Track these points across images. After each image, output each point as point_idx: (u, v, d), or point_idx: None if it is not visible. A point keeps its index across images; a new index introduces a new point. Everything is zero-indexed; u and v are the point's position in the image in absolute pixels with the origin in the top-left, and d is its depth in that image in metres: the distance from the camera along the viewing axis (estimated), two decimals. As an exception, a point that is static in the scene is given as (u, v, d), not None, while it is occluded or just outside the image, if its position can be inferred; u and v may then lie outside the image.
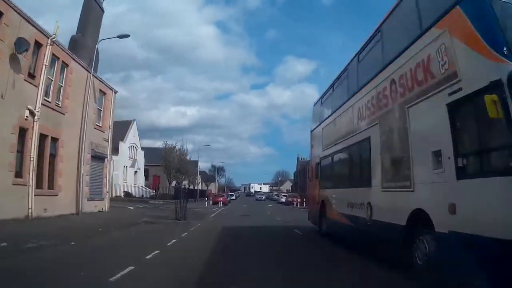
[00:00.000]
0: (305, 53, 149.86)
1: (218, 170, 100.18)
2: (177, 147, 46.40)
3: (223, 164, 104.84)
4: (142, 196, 45.07)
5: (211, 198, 47.77)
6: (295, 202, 45.00)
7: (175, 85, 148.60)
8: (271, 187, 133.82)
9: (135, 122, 50.81)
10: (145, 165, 53.43)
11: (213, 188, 79.43)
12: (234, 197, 62.76)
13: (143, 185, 51.86)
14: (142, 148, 53.22)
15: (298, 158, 78.40)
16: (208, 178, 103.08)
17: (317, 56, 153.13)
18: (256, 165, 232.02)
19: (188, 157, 48.50)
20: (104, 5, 20.69)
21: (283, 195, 59.73)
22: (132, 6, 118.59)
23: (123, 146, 44.61)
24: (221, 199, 47.12)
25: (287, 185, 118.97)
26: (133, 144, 49.23)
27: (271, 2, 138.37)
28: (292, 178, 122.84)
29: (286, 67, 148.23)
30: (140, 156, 51.66)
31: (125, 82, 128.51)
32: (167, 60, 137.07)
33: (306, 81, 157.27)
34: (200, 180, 67.84)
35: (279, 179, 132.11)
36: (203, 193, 57.17)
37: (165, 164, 45.83)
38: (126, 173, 45.96)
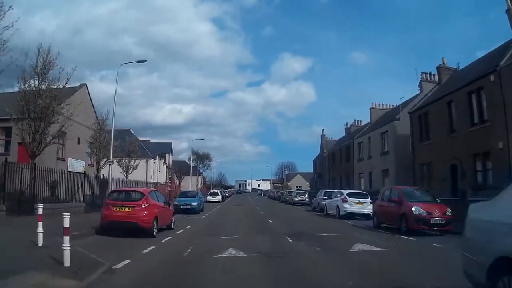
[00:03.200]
0: (300, 50, 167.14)
1: (201, 159, 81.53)
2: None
3: (208, 153, 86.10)
4: None
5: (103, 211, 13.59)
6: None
7: (171, 82, 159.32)
8: (275, 184, 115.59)
9: None
10: None
11: (188, 182, 60.42)
12: (219, 197, 44.07)
13: None
14: None
15: (323, 137, 59.89)
16: (187, 170, 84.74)
17: (312, 53, 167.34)
18: (251, 163, 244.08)
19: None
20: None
21: (300, 195, 41.27)
22: (128, 2, 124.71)
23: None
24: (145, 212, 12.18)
25: (298, 181, 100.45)
26: None
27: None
28: (303, 172, 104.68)
29: (282, 64, 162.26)
30: None
31: (121, 78, 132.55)
32: (163, 57, 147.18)
33: (301, 78, 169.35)
34: (163, 171, 49.51)
35: (286, 172, 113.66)
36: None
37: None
38: None
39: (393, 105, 42.59)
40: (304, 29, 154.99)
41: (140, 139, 50.14)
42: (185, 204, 22.48)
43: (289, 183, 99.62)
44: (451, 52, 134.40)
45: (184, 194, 26.19)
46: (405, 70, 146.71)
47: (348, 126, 53.39)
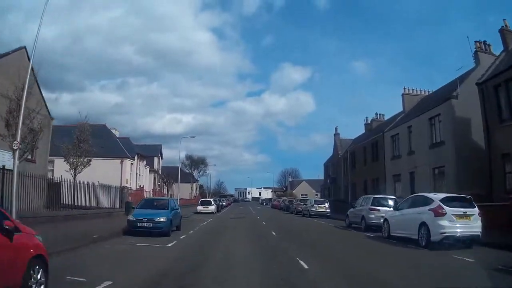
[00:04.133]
0: (300, 59, 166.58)
1: (196, 164, 72.49)
2: None
3: (204, 157, 77.12)
4: None
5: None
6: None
7: (170, 91, 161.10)
8: (277, 192, 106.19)
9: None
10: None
11: (182, 190, 51.16)
12: (212, 208, 34.90)
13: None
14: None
15: (336, 136, 50.80)
16: (181, 175, 75.72)
17: (311, 63, 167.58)
18: (250, 172, 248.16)
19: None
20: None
21: (319, 205, 32.14)
22: (129, 10, 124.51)
23: None
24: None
25: (304, 189, 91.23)
26: None
27: (267, 8, 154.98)
28: (308, 179, 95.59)
29: (282, 74, 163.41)
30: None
31: (121, 88, 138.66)
32: (163, 66, 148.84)
33: (301, 88, 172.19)
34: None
35: (290, 179, 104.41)
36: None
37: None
38: None
39: (427, 91, 34.27)
40: (303, 38, 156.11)
41: (119, 136, 41.44)
42: (145, 219, 13.51)
43: (293, 191, 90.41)
44: (451, 57, 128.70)
45: (148, 203, 16.18)
46: (404, 78, 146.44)
47: (368, 121, 44.68)
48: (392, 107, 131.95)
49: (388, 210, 16.50)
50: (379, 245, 12.97)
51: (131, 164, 36.66)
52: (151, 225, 13.45)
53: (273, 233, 16.69)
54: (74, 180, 20.86)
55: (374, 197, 19.01)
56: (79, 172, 21.26)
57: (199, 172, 77.26)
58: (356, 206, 20.25)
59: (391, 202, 17.77)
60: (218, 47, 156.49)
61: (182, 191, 77.51)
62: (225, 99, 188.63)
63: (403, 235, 13.00)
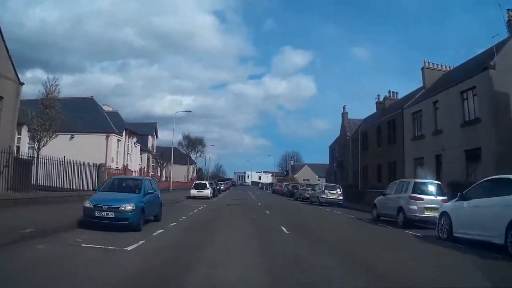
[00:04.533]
0: (301, 43, 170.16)
1: (193, 145, 68.75)
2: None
3: (201, 137, 73.32)
4: None
5: None
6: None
7: (171, 73, 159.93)
8: (278, 176, 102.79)
9: None
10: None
11: (177, 172, 47.49)
12: (207, 192, 31.18)
13: None
14: None
15: (345, 115, 46.82)
16: (176, 157, 72.19)
17: (313, 47, 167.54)
18: (250, 156, 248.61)
19: None
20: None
21: (330, 191, 28.32)
22: None
23: None
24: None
25: (306, 173, 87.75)
26: None
27: None
28: (311, 163, 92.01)
29: (283, 57, 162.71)
30: None
31: (121, 70, 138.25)
32: (163, 48, 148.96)
33: (302, 72, 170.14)
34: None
35: (291, 163, 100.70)
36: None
37: None
38: None
39: (449, 66, 30.39)
40: (305, 23, 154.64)
41: (106, 109, 37.62)
42: (105, 207, 9.74)
43: (295, 176, 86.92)
44: (452, 47, 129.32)
45: (115, 184, 11.97)
46: (406, 65, 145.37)
47: (381, 100, 40.77)
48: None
49: (433, 199, 12.81)
50: (447, 252, 8.87)
51: (118, 140, 32.96)
52: (112, 215, 9.61)
53: (284, 229, 12.36)
54: (38, 155, 17.16)
55: (415, 182, 14.64)
56: (44, 145, 17.56)
57: (197, 153, 73.48)
58: (387, 194, 16.21)
59: (433, 189, 13.94)
60: (220, 30, 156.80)
61: (178, 173, 74.16)
62: (226, 82, 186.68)
63: (477, 238, 8.99)
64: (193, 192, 31.07)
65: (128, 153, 35.43)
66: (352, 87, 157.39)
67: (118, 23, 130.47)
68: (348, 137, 44.77)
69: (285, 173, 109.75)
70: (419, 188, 13.88)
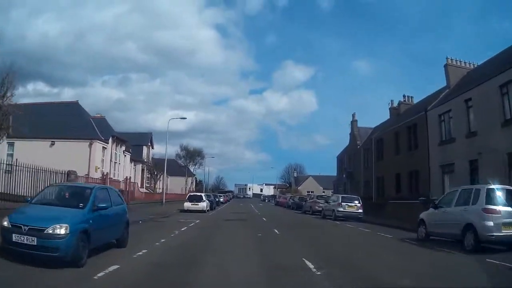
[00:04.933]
0: (303, 58, 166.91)
1: (191, 156, 65.28)
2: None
3: (200, 149, 69.97)
4: None
5: None
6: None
7: (173, 88, 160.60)
8: (280, 188, 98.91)
9: None
10: None
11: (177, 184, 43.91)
12: (203, 205, 27.57)
13: None
14: None
15: (354, 124, 43.40)
16: (174, 169, 68.74)
17: (314, 62, 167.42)
18: (252, 171, 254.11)
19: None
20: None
21: (348, 203, 24.35)
22: (132, 8, 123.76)
23: None
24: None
25: (311, 185, 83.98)
26: None
27: (271, 7, 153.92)
28: (315, 175, 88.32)
29: (285, 72, 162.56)
30: None
31: (123, 84, 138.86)
32: (165, 63, 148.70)
33: (303, 86, 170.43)
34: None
35: (294, 175, 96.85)
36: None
37: None
38: None
39: (474, 64, 27.14)
40: (307, 37, 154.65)
41: (93, 116, 34.17)
42: (27, 228, 6.22)
43: (298, 188, 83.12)
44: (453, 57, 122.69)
45: (53, 194, 8.20)
46: (407, 79, 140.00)
47: (394, 104, 37.47)
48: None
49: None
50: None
51: (104, 148, 29.48)
52: (34, 242, 6.19)
53: (309, 265, 8.08)
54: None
55: (489, 189, 10.64)
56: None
57: (195, 165, 69.93)
58: (441, 206, 12.47)
59: (510, 198, 10.24)
60: (221, 44, 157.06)
61: (176, 185, 70.54)
62: (227, 97, 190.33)
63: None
64: (187, 205, 27.59)
65: (115, 162, 31.90)
66: (354, 101, 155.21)
67: (120, 37, 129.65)
68: (358, 146, 41.30)
69: (287, 185, 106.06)
70: (494, 197, 10.21)
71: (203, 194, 30.33)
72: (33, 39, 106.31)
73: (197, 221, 19.79)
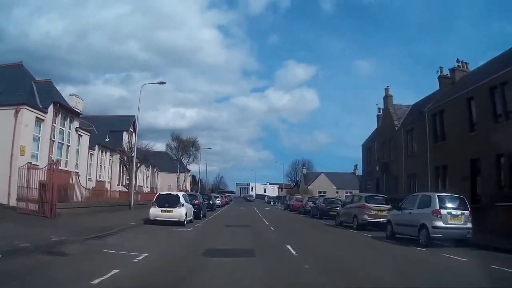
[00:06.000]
0: (305, 57, 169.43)
1: (184, 147, 55.89)
2: None
3: (194, 138, 60.62)
4: None
5: None
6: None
7: (175, 86, 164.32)
8: (286, 188, 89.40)
9: None
10: None
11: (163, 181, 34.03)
12: (181, 212, 17.45)
13: None
14: None
15: (388, 99, 33.97)
16: (165, 164, 59.52)
17: (316, 61, 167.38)
18: (254, 170, 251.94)
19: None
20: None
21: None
22: (134, 7, 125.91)
23: None
24: None
25: (323, 184, 74.37)
26: None
27: (273, 8, 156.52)
28: (328, 171, 78.80)
29: (287, 71, 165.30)
30: None
31: (125, 82, 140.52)
32: (167, 62, 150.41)
33: (305, 85, 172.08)
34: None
35: (304, 172, 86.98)
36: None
37: None
38: None
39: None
40: (309, 37, 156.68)
41: (38, 80, 24.69)
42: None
43: (308, 187, 73.38)
44: (453, 62, 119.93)
45: None
46: (408, 79, 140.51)
47: (444, 72, 28.01)
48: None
49: None
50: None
51: (39, 120, 20.14)
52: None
53: None
54: None
55: None
56: None
57: (189, 158, 60.54)
58: None
59: None
60: (224, 44, 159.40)
61: (168, 182, 61.20)
62: (229, 95, 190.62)
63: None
64: (154, 212, 18.12)
65: (61, 144, 22.50)
66: (356, 100, 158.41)
67: (122, 36, 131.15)
68: (397, 128, 31.84)
69: (294, 184, 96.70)
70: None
71: (180, 195, 19.58)
72: (35, 37, 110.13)
73: (145, 254, 9.59)
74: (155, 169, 57.77)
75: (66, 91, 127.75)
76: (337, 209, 25.34)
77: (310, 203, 35.00)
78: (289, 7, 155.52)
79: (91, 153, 34.89)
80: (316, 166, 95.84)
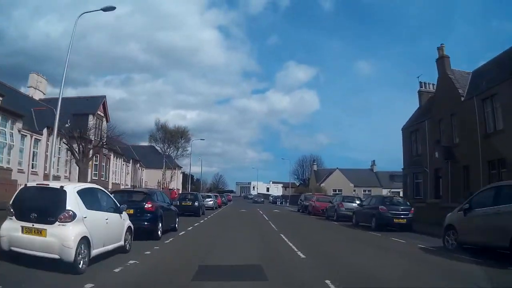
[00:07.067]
0: (305, 59, 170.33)
1: (172, 138, 46.60)
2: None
3: (185, 128, 51.29)
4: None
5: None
6: None
7: (175, 88, 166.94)
8: (294, 187, 79.96)
9: None
10: None
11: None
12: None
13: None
14: None
15: (444, 61, 24.07)
16: (152, 159, 50.50)
17: (316, 62, 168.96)
18: (254, 170, 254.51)
19: None
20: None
21: None
22: (134, 8, 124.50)
23: None
24: None
25: (339, 181, 64.80)
26: None
27: (273, 8, 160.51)
28: (343, 168, 69.37)
29: (287, 72, 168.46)
30: None
31: (125, 84, 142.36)
32: (168, 64, 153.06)
33: (305, 86, 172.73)
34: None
35: (314, 169, 77.16)
36: None
37: None
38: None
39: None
40: (309, 39, 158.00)
41: None
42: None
43: (321, 185, 63.71)
44: (455, 61, 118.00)
45: None
46: (409, 81, 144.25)
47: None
48: (400, 109, 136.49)
49: None
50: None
51: None
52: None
53: None
54: None
55: None
56: None
57: (178, 150, 51.07)
58: None
59: None
60: (224, 45, 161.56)
61: (155, 180, 52.06)
62: (230, 97, 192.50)
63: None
64: (11, 232, 7.16)
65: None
66: (356, 102, 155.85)
67: (123, 38, 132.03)
68: (462, 98, 22.41)
69: (301, 182, 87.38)
70: None
71: (79, 188, 6.97)
72: (35, 38, 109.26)
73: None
74: (138, 164, 48.30)
75: (66, 92, 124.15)
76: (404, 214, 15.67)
77: (350, 205, 24.61)
78: (288, 6, 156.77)
79: (36, 138, 25.97)
80: (326, 163, 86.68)
